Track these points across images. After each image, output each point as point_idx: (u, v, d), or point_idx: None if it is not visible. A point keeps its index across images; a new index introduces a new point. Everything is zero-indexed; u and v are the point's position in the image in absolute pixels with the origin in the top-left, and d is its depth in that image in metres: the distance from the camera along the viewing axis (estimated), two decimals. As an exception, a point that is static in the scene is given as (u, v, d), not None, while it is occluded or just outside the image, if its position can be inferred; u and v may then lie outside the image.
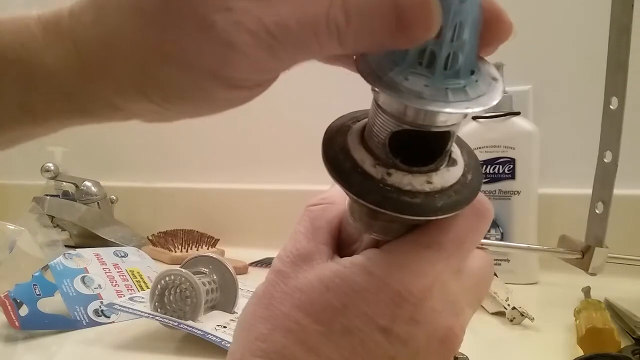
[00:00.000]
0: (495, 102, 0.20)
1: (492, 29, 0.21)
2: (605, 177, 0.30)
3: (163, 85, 0.21)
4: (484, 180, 0.76)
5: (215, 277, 0.60)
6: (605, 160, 0.30)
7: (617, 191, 0.80)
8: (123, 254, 0.76)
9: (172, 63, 0.21)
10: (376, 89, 0.21)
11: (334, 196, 0.26)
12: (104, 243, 1.00)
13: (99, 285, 0.66)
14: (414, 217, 0.22)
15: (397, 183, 0.21)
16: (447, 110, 0.20)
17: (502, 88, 0.21)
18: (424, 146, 0.22)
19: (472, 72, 0.21)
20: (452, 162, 0.23)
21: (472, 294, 0.24)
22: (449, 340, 0.23)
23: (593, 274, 0.30)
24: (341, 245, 0.25)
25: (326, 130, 0.24)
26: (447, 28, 0.19)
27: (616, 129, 0.29)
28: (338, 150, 0.22)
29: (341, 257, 0.24)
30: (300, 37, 0.20)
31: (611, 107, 0.30)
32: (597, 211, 0.31)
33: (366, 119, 0.24)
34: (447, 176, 0.22)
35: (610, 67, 0.29)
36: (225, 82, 0.21)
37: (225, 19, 0.19)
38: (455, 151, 0.24)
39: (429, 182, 0.22)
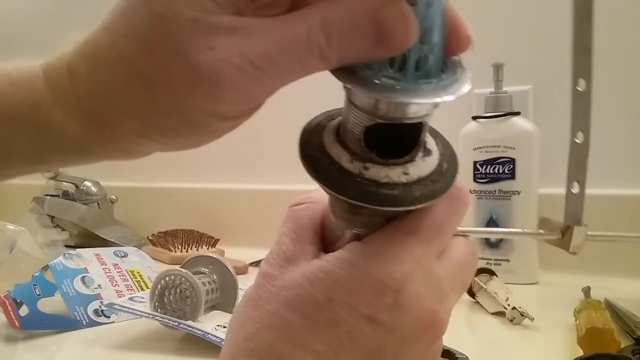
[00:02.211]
0: (465, 90, 0.21)
1: (450, 41, 0.22)
2: (578, 157, 0.31)
3: (160, 128, 0.23)
4: (484, 181, 0.77)
5: (215, 277, 0.60)
6: (577, 141, 0.31)
7: (617, 191, 0.80)
8: (123, 254, 0.76)
9: (165, 108, 0.21)
10: (348, 86, 0.21)
11: (316, 195, 0.27)
12: (104, 243, 1.00)
13: (99, 285, 0.66)
14: (393, 209, 0.22)
15: (374, 176, 0.22)
16: (417, 100, 0.20)
17: (470, 76, 0.22)
18: (398, 138, 0.22)
19: (442, 71, 0.21)
20: (428, 153, 0.23)
21: (457, 279, 0.25)
22: (435, 324, 0.23)
23: (574, 253, 0.30)
24: (326, 243, 0.26)
25: (302, 130, 0.24)
26: (417, 32, 0.20)
27: (586, 110, 0.30)
28: (315, 149, 0.23)
29: (326, 254, 0.24)
30: (284, 64, 0.20)
31: (579, 88, 0.30)
32: (573, 191, 0.32)
33: (341, 117, 0.24)
34: (423, 166, 0.23)
35: (576, 51, 0.30)
36: (217, 115, 0.22)
37: (210, 58, 0.20)
38: (430, 142, 0.24)
39: (406, 173, 0.22)
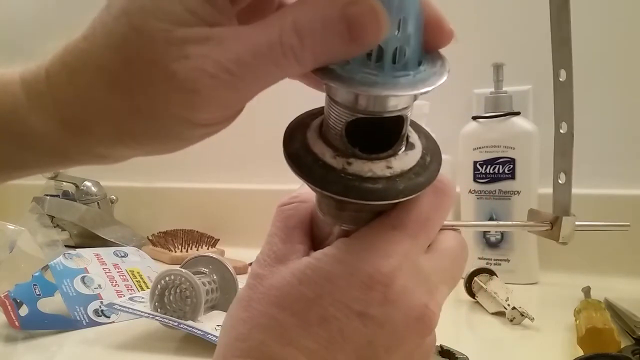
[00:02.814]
0: (441, 82, 0.21)
1: (433, 35, 0.22)
2: (563, 147, 0.31)
3: (136, 135, 0.23)
4: (484, 181, 0.77)
5: (215, 277, 0.60)
6: (562, 131, 0.31)
7: (617, 191, 0.80)
8: (123, 254, 0.76)
9: (142, 115, 0.22)
10: (327, 83, 0.21)
11: (304, 194, 0.27)
12: (104, 243, 1.00)
13: (99, 285, 0.66)
14: (378, 202, 0.22)
15: (358, 171, 0.22)
16: (395, 92, 0.20)
17: (449, 68, 0.22)
18: (380, 133, 0.23)
19: (420, 63, 0.21)
20: (410, 146, 0.24)
21: (446, 272, 0.25)
22: (426, 317, 0.23)
23: (564, 243, 0.31)
24: (315, 241, 0.26)
25: (286, 129, 0.24)
26: (392, 24, 0.20)
27: (568, 100, 0.30)
28: (298, 146, 0.23)
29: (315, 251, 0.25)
30: (259, 68, 0.21)
31: (560, 79, 0.31)
32: (560, 181, 0.32)
33: (323, 115, 0.24)
34: (406, 160, 0.23)
35: (555, 42, 0.30)
36: (194, 123, 0.22)
37: (185, 67, 0.20)
38: (412, 136, 0.24)
39: (389, 167, 0.22)
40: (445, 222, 0.26)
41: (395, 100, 0.22)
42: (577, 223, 0.32)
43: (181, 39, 0.20)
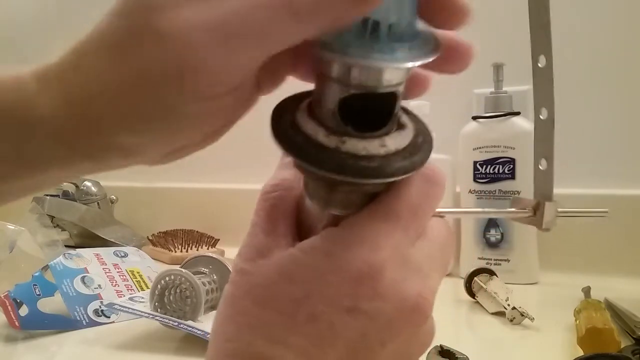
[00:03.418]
0: (437, 55, 0.21)
1: (447, 14, 0.21)
2: (544, 133, 0.32)
3: (140, 112, 0.22)
4: (484, 181, 0.77)
5: (215, 277, 0.60)
6: (542, 118, 0.31)
7: (617, 191, 0.80)
8: (123, 254, 0.76)
9: (143, 86, 0.21)
10: (323, 55, 0.21)
11: (288, 180, 0.26)
12: (104, 243, 1.00)
13: (99, 285, 0.66)
14: (373, 180, 0.22)
15: (352, 149, 0.21)
16: (392, 63, 0.20)
17: (442, 44, 0.22)
18: (373, 111, 0.22)
19: (415, 36, 0.21)
20: (402, 127, 0.23)
21: (436, 260, 0.24)
22: (420, 306, 0.22)
23: (547, 230, 0.31)
24: (301, 231, 0.25)
25: (272, 112, 0.23)
26: None
27: (548, 86, 0.30)
28: (288, 127, 0.22)
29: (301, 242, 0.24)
30: (255, 24, 0.19)
31: (539, 65, 0.31)
32: (540, 167, 0.32)
33: (311, 98, 0.24)
34: (399, 139, 0.23)
35: (534, 28, 0.31)
36: (195, 91, 0.21)
37: (178, 25, 0.20)
38: (403, 116, 0.24)
39: (383, 146, 0.22)
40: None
41: (390, 73, 0.21)
42: (559, 210, 0.31)
43: (176, 1, 0.20)
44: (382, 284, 0.22)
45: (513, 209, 0.34)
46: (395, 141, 0.22)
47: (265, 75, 0.23)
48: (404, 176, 0.22)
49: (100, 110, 0.22)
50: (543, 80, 0.30)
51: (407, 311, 0.22)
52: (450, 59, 0.22)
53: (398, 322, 0.22)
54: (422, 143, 0.23)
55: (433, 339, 0.25)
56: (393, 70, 0.21)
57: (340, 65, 0.21)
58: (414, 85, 0.24)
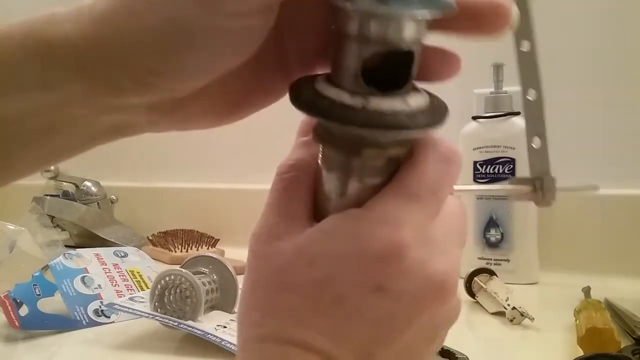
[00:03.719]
0: (452, 10, 0.21)
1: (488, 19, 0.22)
2: (534, 112, 0.32)
3: (165, 34, 0.21)
4: (484, 180, 0.77)
5: (215, 277, 0.60)
6: (530, 98, 0.32)
7: (617, 191, 0.80)
8: (123, 254, 0.76)
9: (167, 9, 0.20)
10: (345, 8, 0.21)
11: (305, 161, 0.25)
12: (104, 243, 1.00)
13: (99, 285, 0.66)
14: (402, 134, 0.22)
15: (377, 107, 0.22)
16: (410, 12, 0.21)
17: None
18: (392, 72, 0.23)
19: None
20: (417, 90, 0.24)
21: (455, 234, 0.24)
22: (446, 284, 0.22)
23: (548, 204, 0.31)
24: (316, 214, 0.25)
25: (289, 88, 0.24)
26: None
27: (533, 69, 0.30)
28: (311, 95, 0.23)
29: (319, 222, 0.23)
30: None
31: (523, 49, 0.31)
32: (534, 146, 0.33)
33: (325, 73, 0.24)
34: (419, 99, 0.23)
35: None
36: (219, 7, 0.20)
37: None
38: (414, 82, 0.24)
39: (406, 104, 0.22)
40: None
41: (411, 26, 0.22)
42: (558, 186, 0.32)
43: None
44: (406, 263, 0.21)
45: (513, 186, 0.34)
46: (417, 100, 0.23)
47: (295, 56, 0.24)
48: (430, 129, 0.23)
49: (128, 38, 0.21)
50: (528, 64, 0.30)
51: (433, 290, 0.22)
52: (439, 68, 0.23)
53: (424, 300, 0.22)
54: (438, 105, 0.24)
55: (459, 314, 0.25)
56: (410, 23, 0.22)
57: (364, 22, 0.22)
58: (444, 64, 0.24)
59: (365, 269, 0.21)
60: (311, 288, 0.22)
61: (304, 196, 0.24)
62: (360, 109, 0.22)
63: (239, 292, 0.60)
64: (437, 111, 0.23)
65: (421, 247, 0.22)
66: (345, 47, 0.22)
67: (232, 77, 0.24)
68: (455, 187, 0.25)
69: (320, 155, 0.25)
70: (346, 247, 0.22)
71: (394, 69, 0.23)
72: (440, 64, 0.24)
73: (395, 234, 0.21)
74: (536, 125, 0.31)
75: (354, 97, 0.22)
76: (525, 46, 0.31)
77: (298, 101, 0.23)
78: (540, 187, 0.31)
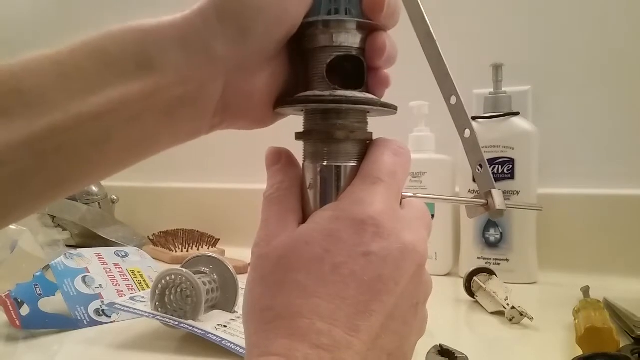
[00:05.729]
0: (370, 22, 0.30)
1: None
2: (471, 148, 0.36)
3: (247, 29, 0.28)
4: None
5: (215, 277, 0.60)
6: (466, 136, 0.36)
7: (617, 191, 0.81)
8: (124, 254, 0.76)
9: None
10: (316, 29, 0.30)
11: (285, 182, 0.31)
12: (105, 243, 1.01)
13: (100, 285, 0.66)
14: (362, 105, 0.30)
15: (342, 94, 0.29)
16: (353, 22, 0.29)
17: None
18: (348, 76, 0.30)
19: (359, 16, 0.30)
20: (368, 91, 0.31)
21: (421, 220, 0.30)
22: (418, 247, 0.28)
23: (500, 214, 0.35)
24: (305, 219, 0.29)
25: (277, 100, 0.31)
26: None
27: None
28: (290, 98, 0.30)
29: None
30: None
31: (451, 102, 0.36)
32: (477, 172, 0.37)
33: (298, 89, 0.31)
34: (370, 94, 0.31)
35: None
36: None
37: None
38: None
39: (363, 94, 0.30)
40: (403, 194, 0.31)
41: (357, 34, 0.30)
42: (506, 203, 0.36)
43: None
44: (383, 229, 0.27)
45: (469, 198, 0.39)
46: (369, 94, 0.30)
47: None
48: (382, 108, 0.30)
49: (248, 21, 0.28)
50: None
51: (407, 251, 0.27)
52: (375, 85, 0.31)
53: (403, 262, 0.27)
54: (386, 102, 0.31)
55: (432, 289, 0.31)
56: (359, 29, 0.30)
57: (326, 35, 0.30)
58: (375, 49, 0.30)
59: (352, 239, 0.26)
60: (313, 263, 0.26)
61: (292, 207, 0.30)
62: (329, 95, 0.29)
63: (240, 291, 0.60)
64: (387, 104, 0.30)
65: (393, 221, 0.27)
66: (312, 57, 0.30)
67: (271, 81, 0.30)
68: (419, 196, 0.32)
69: (302, 164, 0.31)
70: (334, 227, 0.27)
71: (348, 75, 0.30)
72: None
73: (369, 208, 0.27)
74: (476, 155, 0.36)
75: (323, 91, 0.29)
76: (453, 100, 0.35)
77: (286, 102, 0.30)
78: (492, 199, 0.35)
